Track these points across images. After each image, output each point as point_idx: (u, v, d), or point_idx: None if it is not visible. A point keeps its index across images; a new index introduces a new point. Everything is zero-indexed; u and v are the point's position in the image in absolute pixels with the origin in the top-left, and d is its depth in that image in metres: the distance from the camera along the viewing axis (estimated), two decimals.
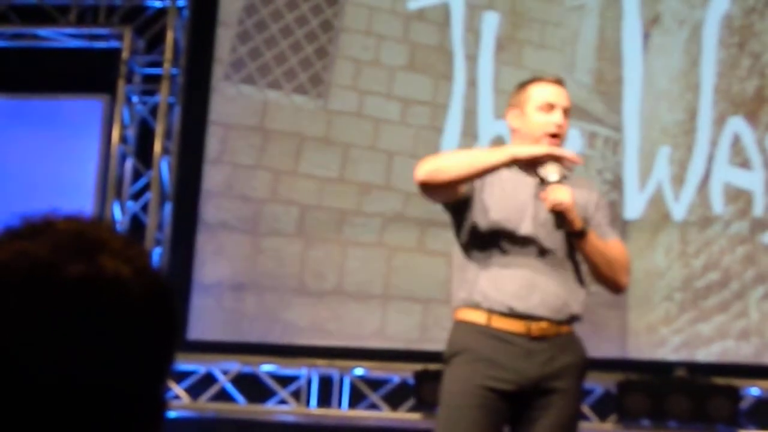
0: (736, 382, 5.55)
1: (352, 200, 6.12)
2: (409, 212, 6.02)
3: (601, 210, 3.66)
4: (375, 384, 6.06)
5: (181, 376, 6.14)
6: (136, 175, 6.53)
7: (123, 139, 6.51)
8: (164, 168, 6.45)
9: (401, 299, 5.98)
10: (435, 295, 5.85)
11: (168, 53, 6.53)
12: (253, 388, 6.11)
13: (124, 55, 6.56)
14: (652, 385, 5.55)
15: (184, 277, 6.11)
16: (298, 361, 6.06)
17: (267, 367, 6.12)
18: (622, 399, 5.57)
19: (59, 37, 6.72)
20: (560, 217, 3.42)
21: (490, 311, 3.46)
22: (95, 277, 0.97)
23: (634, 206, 5.85)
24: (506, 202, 3.51)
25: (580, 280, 3.56)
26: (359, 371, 6.06)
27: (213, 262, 6.19)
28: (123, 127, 6.51)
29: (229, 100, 6.35)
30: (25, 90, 6.72)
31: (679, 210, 5.80)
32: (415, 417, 5.88)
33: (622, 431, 5.67)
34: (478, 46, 6.17)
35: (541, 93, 3.57)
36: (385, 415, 5.99)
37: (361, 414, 6.02)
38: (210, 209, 6.25)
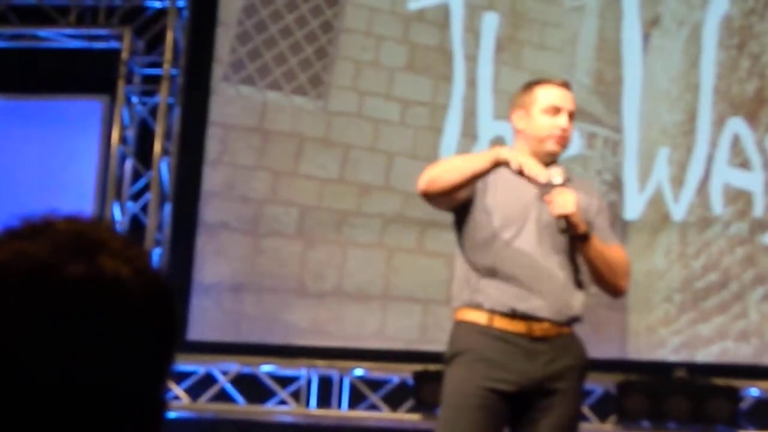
0: (736, 382, 5.55)
1: (351, 201, 6.12)
2: (408, 213, 6.02)
3: (602, 214, 3.66)
4: (375, 384, 6.06)
5: (180, 377, 6.14)
6: (136, 176, 6.53)
7: (123, 140, 6.51)
8: (164, 168, 6.45)
9: (401, 300, 5.98)
10: (435, 295, 5.85)
11: (168, 54, 6.53)
12: (253, 388, 6.11)
13: (124, 55, 6.56)
14: (652, 385, 5.55)
15: (183, 277, 6.11)
16: (297, 361, 6.06)
17: (267, 368, 6.12)
18: (622, 400, 5.57)
19: (59, 37, 6.72)
20: (565, 220, 3.42)
21: (492, 312, 3.46)
22: (95, 278, 0.97)
23: (633, 207, 5.85)
24: (509, 203, 3.52)
25: (581, 282, 3.56)
26: (359, 372, 6.06)
27: (213, 263, 6.19)
28: (123, 127, 6.51)
29: (229, 100, 6.35)
30: (25, 90, 6.72)
31: (678, 211, 5.80)
32: (414, 417, 5.88)
33: None
34: (477, 47, 6.17)
35: (548, 96, 3.57)
36: (384, 415, 5.99)
37: (361, 414, 6.02)
38: (210, 210, 6.25)
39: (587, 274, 3.58)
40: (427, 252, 5.96)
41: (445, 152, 6.02)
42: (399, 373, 5.96)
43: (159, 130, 6.46)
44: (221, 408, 6.14)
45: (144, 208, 6.47)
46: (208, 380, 6.17)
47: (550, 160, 3.55)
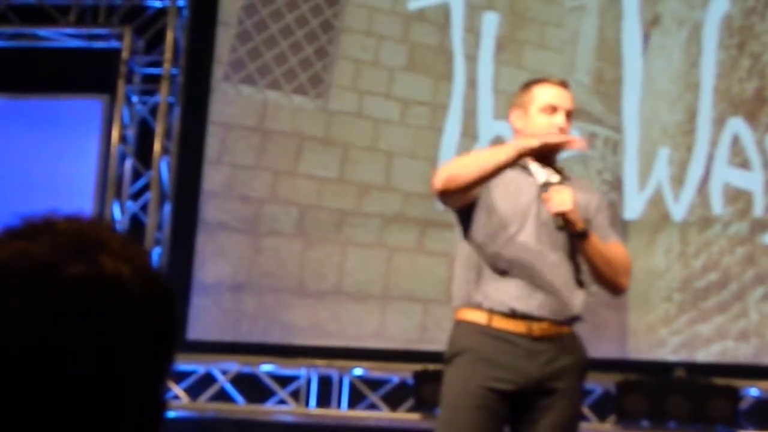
0: (736, 382, 5.55)
1: (351, 200, 6.12)
2: (408, 212, 6.02)
3: (602, 212, 3.66)
4: (374, 384, 6.06)
5: (180, 376, 6.14)
6: (136, 175, 6.53)
7: (123, 139, 6.51)
8: (164, 168, 6.45)
9: (400, 299, 5.98)
10: (434, 295, 5.85)
11: (168, 53, 6.53)
12: (253, 388, 6.12)
13: (124, 55, 6.56)
14: (652, 385, 5.55)
15: (183, 277, 6.11)
16: (297, 361, 6.06)
17: (266, 367, 6.12)
18: (622, 399, 5.57)
19: (59, 37, 6.72)
20: (562, 218, 3.42)
21: (491, 311, 3.46)
22: (95, 277, 0.97)
23: (633, 207, 5.85)
24: (510, 203, 3.52)
25: (581, 281, 3.56)
26: (358, 371, 6.06)
27: (212, 262, 6.19)
28: (123, 127, 6.51)
29: (229, 100, 6.35)
30: (25, 90, 6.72)
31: (678, 210, 5.80)
32: (414, 417, 5.88)
33: None
34: (477, 47, 6.17)
35: (545, 95, 3.58)
36: (384, 415, 5.99)
37: (361, 414, 6.02)
38: (209, 209, 6.25)
39: (588, 272, 3.58)
40: (427, 251, 5.96)
41: (445, 152, 6.02)
42: (399, 373, 5.96)
43: (159, 129, 6.46)
44: (221, 407, 6.14)
45: (144, 208, 6.47)
46: (208, 380, 6.17)
47: (548, 158, 3.56)
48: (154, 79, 6.59)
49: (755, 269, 5.66)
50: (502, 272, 3.47)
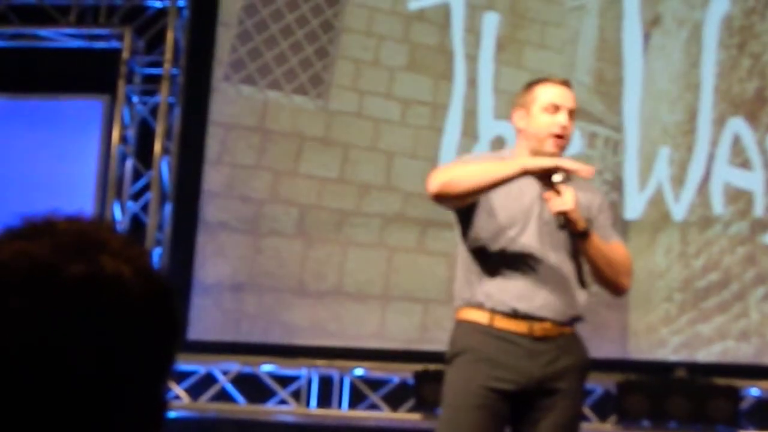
0: (737, 382, 5.55)
1: (351, 200, 6.12)
2: (408, 212, 6.02)
3: (604, 212, 3.67)
4: (375, 384, 6.06)
5: (181, 377, 6.14)
6: (137, 176, 6.53)
7: (123, 140, 6.51)
8: (164, 168, 6.45)
9: (401, 299, 5.98)
10: (435, 295, 5.85)
11: (168, 53, 6.53)
12: (254, 388, 6.12)
13: (125, 55, 6.56)
14: (652, 385, 5.55)
15: (184, 277, 6.11)
16: (298, 361, 6.06)
17: (267, 368, 6.12)
18: (622, 399, 5.57)
19: (59, 37, 6.72)
20: (563, 217, 3.42)
21: (493, 311, 3.46)
22: (96, 277, 0.97)
23: (634, 207, 5.85)
24: (511, 203, 3.51)
25: (583, 282, 3.56)
26: (359, 371, 6.06)
27: (213, 263, 6.19)
28: (123, 127, 6.51)
29: (230, 100, 6.35)
30: (26, 90, 6.72)
31: (679, 210, 5.80)
32: (415, 417, 5.88)
33: None
34: (478, 47, 6.17)
35: (547, 94, 3.58)
36: (385, 415, 5.99)
37: (361, 414, 6.02)
38: (210, 209, 6.25)
39: (589, 272, 3.58)
40: (427, 251, 5.96)
41: (446, 152, 6.02)
42: (399, 373, 5.96)
43: (159, 129, 6.46)
44: (222, 408, 6.14)
45: (144, 208, 6.47)
46: (209, 380, 6.17)
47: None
48: (155, 80, 6.60)
49: (756, 269, 5.66)
50: (504, 272, 3.47)
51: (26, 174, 6.49)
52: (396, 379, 6.01)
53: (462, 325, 3.52)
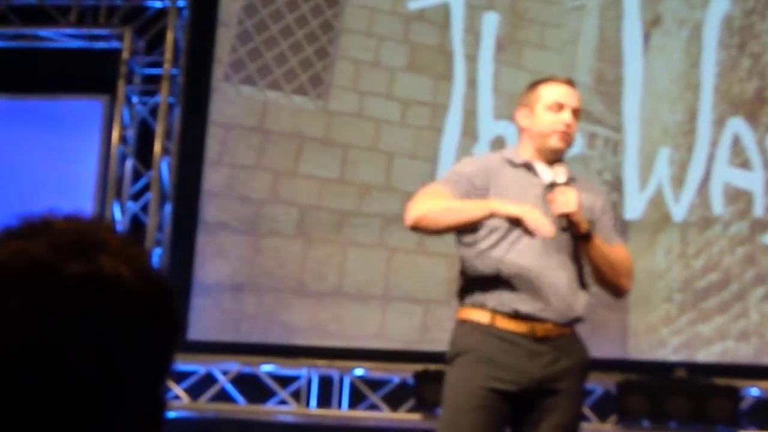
0: (736, 382, 5.55)
1: (352, 201, 6.12)
2: None
3: (607, 213, 3.67)
4: (375, 384, 6.06)
5: (181, 377, 6.14)
6: (136, 176, 6.53)
7: (123, 140, 6.51)
8: (164, 168, 6.45)
9: (401, 300, 5.98)
10: (435, 295, 5.85)
11: (168, 54, 6.53)
12: (253, 388, 6.11)
13: (125, 55, 6.56)
14: (652, 385, 5.54)
15: (184, 277, 6.11)
16: (298, 361, 6.06)
17: (267, 368, 6.12)
18: (622, 399, 5.57)
19: (59, 37, 6.72)
20: (566, 219, 3.42)
21: (495, 311, 3.46)
22: (94, 277, 0.97)
23: (634, 207, 5.85)
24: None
25: (584, 283, 3.56)
26: (359, 372, 6.05)
27: (213, 263, 6.19)
28: (123, 127, 6.51)
29: (229, 100, 6.35)
30: (26, 90, 6.73)
31: (679, 211, 5.80)
32: (415, 417, 5.87)
33: None
34: (478, 47, 6.17)
35: (551, 93, 3.58)
36: (385, 415, 5.99)
37: (361, 414, 6.02)
38: (210, 210, 6.25)
39: (590, 274, 3.58)
40: (428, 252, 5.96)
41: (446, 152, 6.02)
42: (399, 373, 5.96)
43: (159, 129, 6.46)
44: (221, 408, 6.14)
45: (144, 208, 6.47)
46: (209, 380, 6.17)
47: (554, 157, 3.56)
48: (155, 80, 6.59)
49: (755, 269, 5.66)
50: (506, 273, 3.46)
51: (26, 174, 6.48)
52: (396, 380, 6.01)
53: (463, 325, 3.52)
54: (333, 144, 6.20)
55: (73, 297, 0.96)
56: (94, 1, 6.71)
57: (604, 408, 5.73)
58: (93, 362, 0.96)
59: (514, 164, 3.58)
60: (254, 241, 6.18)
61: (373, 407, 6.03)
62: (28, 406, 0.95)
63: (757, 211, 5.71)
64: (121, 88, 6.54)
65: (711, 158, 5.80)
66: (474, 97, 6.12)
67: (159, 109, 6.50)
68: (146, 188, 6.48)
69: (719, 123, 5.82)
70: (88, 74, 6.66)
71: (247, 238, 6.19)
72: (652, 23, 6.02)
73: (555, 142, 3.54)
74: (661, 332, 5.71)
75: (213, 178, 6.29)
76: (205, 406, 6.13)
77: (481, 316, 3.47)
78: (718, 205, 5.76)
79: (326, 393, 6.07)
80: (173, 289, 1.03)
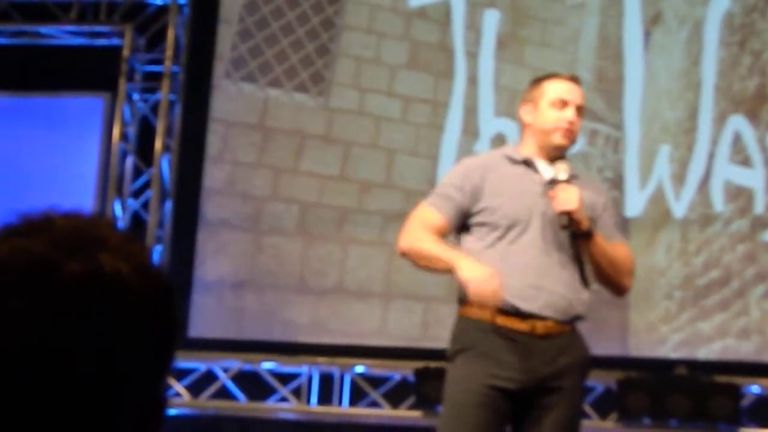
0: (737, 380, 5.55)
1: (352, 198, 6.12)
2: (409, 210, 5.97)
3: (609, 211, 3.66)
4: (376, 382, 6.06)
5: (181, 374, 6.14)
6: (137, 173, 6.53)
7: (124, 137, 6.51)
8: (165, 165, 6.45)
9: (402, 297, 5.98)
10: (436, 293, 5.85)
11: (169, 51, 6.53)
12: (254, 385, 6.11)
13: (125, 52, 6.56)
14: (653, 383, 5.54)
15: (184, 274, 6.11)
16: (298, 358, 6.06)
17: (268, 365, 6.12)
18: (623, 397, 5.56)
19: (60, 34, 6.72)
20: (567, 217, 3.42)
21: (495, 309, 3.45)
22: (94, 274, 0.97)
23: (634, 204, 5.85)
24: (514, 201, 3.51)
25: (585, 281, 3.56)
26: (360, 369, 6.05)
27: (214, 260, 6.19)
28: (124, 124, 6.51)
29: (230, 97, 6.35)
30: (27, 88, 6.72)
31: (679, 208, 5.80)
32: (415, 414, 5.87)
33: (623, 429, 5.66)
34: (479, 44, 6.16)
35: (556, 89, 3.58)
36: (385, 412, 5.99)
37: (362, 412, 6.02)
38: (211, 207, 6.25)
39: (591, 271, 3.58)
40: None
41: (446, 149, 6.02)
42: (400, 371, 5.96)
43: (160, 127, 6.46)
44: (222, 405, 6.14)
45: (145, 205, 6.47)
46: (209, 377, 6.17)
47: (557, 154, 3.55)
48: (155, 77, 6.59)
49: (756, 267, 5.66)
50: (507, 270, 3.46)
51: (27, 171, 6.48)
52: (397, 377, 6.01)
53: (463, 323, 3.52)
54: (334, 141, 6.20)
55: (73, 295, 0.96)
56: None
57: (604, 405, 5.73)
58: (93, 360, 0.96)
59: (513, 161, 3.58)
60: (255, 239, 6.18)
61: (374, 404, 6.04)
62: (28, 406, 0.95)
63: (758, 208, 5.71)
64: (122, 85, 6.54)
65: (711, 156, 5.80)
66: (475, 94, 6.12)
67: (160, 106, 6.50)
68: (147, 185, 6.48)
69: (720, 120, 5.81)
70: (89, 71, 6.66)
71: (248, 236, 6.18)
72: (652, 21, 6.02)
73: (558, 139, 3.54)
74: (662, 330, 5.71)
75: (214, 175, 6.28)
76: (206, 404, 6.13)
77: (482, 313, 3.47)
78: (718, 203, 5.76)
79: (327, 390, 6.07)
80: (174, 287, 1.03)
